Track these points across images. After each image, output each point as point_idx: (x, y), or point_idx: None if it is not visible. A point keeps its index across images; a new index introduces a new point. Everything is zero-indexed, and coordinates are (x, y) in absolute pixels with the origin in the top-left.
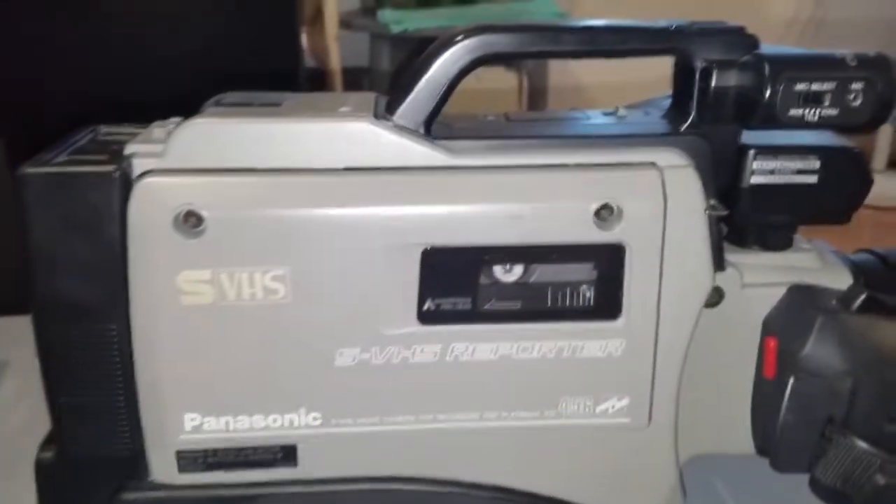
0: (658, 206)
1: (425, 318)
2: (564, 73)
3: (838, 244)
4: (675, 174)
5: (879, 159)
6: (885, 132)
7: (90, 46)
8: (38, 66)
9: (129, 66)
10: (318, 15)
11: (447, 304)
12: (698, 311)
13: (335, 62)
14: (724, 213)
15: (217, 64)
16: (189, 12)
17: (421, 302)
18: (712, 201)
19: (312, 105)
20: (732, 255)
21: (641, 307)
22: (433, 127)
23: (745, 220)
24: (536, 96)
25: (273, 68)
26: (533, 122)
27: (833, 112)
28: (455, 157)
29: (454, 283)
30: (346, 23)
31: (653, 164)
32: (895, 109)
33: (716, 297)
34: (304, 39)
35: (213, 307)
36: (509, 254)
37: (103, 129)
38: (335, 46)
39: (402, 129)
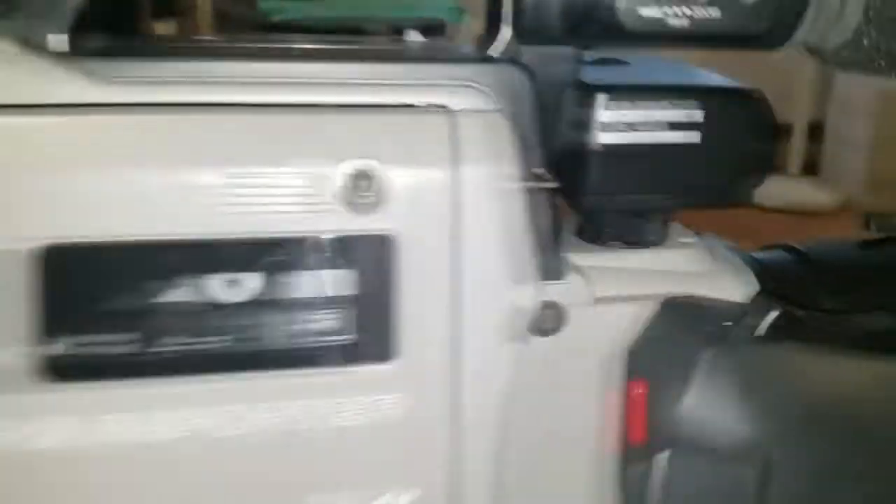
0: (446, 173)
1: (54, 370)
2: None
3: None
4: (474, 123)
5: (793, 163)
6: (799, 133)
7: None
8: None
9: None
10: (191, 6)
11: (91, 345)
12: (522, 343)
13: None
14: (555, 185)
15: None
16: None
17: (44, 343)
18: (538, 169)
19: None
20: (579, 256)
21: (428, 340)
22: (92, 44)
23: (593, 201)
24: None
25: None
26: (270, 42)
27: (713, 14)
28: (103, 89)
29: (103, 308)
30: (221, 13)
31: (440, 108)
32: (807, 14)
33: (551, 320)
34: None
35: None
36: (200, 256)
37: None
38: None
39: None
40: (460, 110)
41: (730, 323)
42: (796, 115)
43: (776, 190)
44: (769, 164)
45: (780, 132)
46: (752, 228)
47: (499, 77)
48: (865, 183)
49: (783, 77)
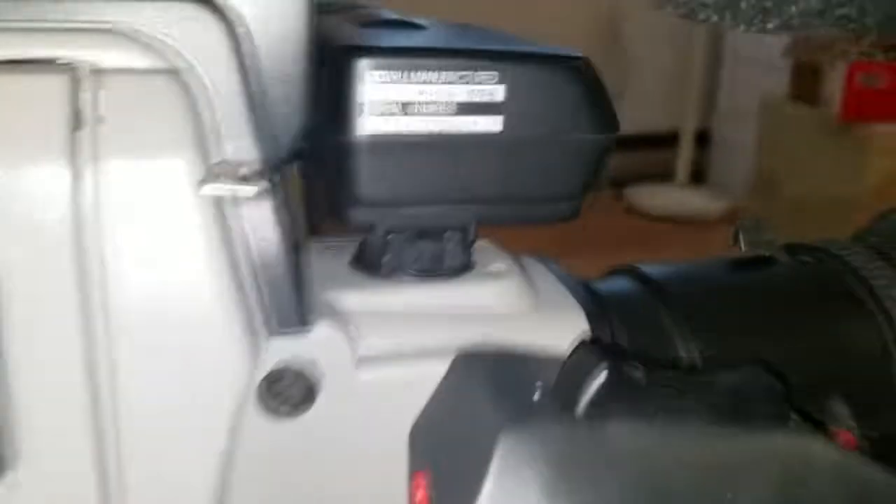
0: (71, 167)
1: None
2: None
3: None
4: (123, 89)
5: (682, 171)
6: (686, 141)
7: None
8: None
9: None
10: None
11: None
12: (225, 436)
13: None
14: (261, 190)
15: None
16: None
17: None
18: (244, 169)
19: None
20: (342, 294)
21: (52, 446)
22: None
23: (358, 215)
24: None
25: None
26: None
27: None
28: None
29: None
30: None
31: (60, 66)
32: None
33: (288, 391)
34: None
35: None
36: None
37: None
38: None
39: None
40: (97, 70)
41: (538, 391)
42: (684, 122)
43: (664, 199)
44: (602, 162)
45: (667, 139)
46: (637, 239)
47: (181, 22)
48: (752, 188)
49: (670, 84)
